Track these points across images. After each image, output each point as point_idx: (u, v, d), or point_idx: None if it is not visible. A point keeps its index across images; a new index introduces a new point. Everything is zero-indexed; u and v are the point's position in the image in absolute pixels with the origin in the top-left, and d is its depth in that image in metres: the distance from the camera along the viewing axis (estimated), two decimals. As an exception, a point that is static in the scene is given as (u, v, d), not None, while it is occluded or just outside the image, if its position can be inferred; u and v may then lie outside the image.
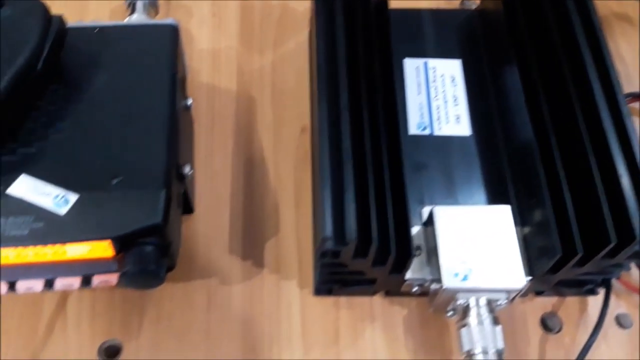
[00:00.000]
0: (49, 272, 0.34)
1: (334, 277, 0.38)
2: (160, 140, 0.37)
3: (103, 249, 0.33)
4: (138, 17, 0.46)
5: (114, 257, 0.34)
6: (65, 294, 0.40)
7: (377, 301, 0.41)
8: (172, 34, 0.43)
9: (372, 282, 0.38)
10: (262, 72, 0.50)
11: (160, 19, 0.46)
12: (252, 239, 0.43)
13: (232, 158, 0.46)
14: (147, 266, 0.33)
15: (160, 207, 0.34)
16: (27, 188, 0.34)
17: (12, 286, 0.35)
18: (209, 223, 0.43)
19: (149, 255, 0.33)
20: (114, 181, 0.34)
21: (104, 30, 0.42)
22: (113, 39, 0.42)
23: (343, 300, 0.41)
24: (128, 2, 0.48)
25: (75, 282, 0.35)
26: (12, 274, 0.34)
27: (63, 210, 0.33)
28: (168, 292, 0.40)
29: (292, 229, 0.43)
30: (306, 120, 0.48)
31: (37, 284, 0.35)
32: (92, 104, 0.38)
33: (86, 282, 0.35)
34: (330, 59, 0.38)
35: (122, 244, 0.33)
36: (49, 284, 0.35)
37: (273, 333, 0.40)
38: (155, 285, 0.34)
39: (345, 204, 0.34)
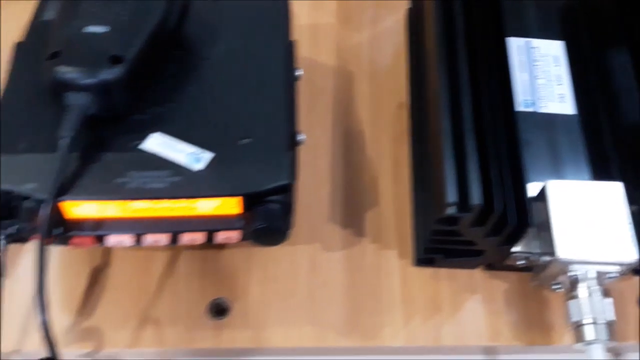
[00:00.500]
0: (175, 227, 0.36)
1: (441, 246, 0.39)
2: (282, 105, 0.38)
3: (232, 205, 0.35)
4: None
5: (240, 214, 0.35)
6: (175, 254, 0.42)
7: (477, 274, 0.42)
8: (283, 6, 0.44)
9: (477, 253, 0.39)
10: (359, 49, 0.51)
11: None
12: (352, 210, 0.44)
13: (331, 130, 0.47)
14: (275, 223, 0.34)
15: (288, 167, 0.35)
16: (160, 145, 0.35)
17: (138, 239, 0.36)
18: (310, 192, 0.44)
19: (277, 213, 0.34)
20: (242, 142, 0.36)
21: (219, 0, 0.44)
22: (228, 9, 0.43)
23: (443, 272, 0.42)
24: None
25: (199, 237, 0.36)
26: (140, 227, 0.36)
27: (197, 167, 0.34)
28: (273, 255, 0.42)
29: (390, 201, 0.44)
30: (403, 96, 0.49)
31: (163, 238, 0.36)
32: (214, 70, 0.39)
33: (209, 238, 0.36)
34: (447, 32, 0.39)
35: (251, 201, 0.35)
36: (174, 239, 0.36)
37: (374, 301, 0.41)
38: (280, 241, 0.35)
39: (467, 171, 0.34)
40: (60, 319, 0.39)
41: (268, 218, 0.34)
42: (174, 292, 0.40)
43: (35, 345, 0.38)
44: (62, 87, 0.34)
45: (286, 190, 0.34)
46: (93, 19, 0.36)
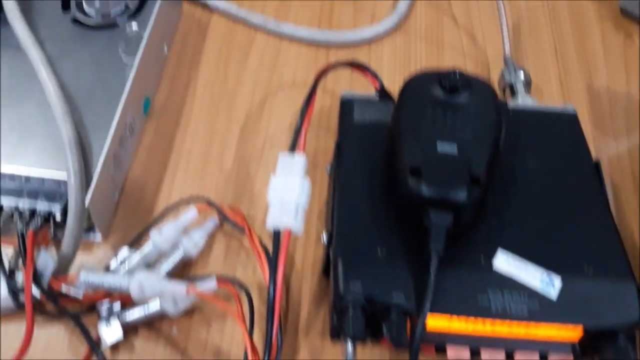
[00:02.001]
0: (512, 345, 0.37)
1: None
2: (612, 230, 0.39)
3: (573, 332, 0.35)
4: (527, 100, 0.49)
5: (576, 341, 0.36)
6: None
7: None
8: (575, 120, 0.45)
9: None
10: (620, 158, 0.52)
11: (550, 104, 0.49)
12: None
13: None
14: (624, 358, 0.35)
15: (637, 303, 0.35)
16: (510, 263, 0.36)
17: (474, 353, 0.37)
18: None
19: (626, 348, 0.35)
20: (584, 268, 0.37)
21: (515, 112, 0.45)
22: (522, 121, 0.45)
23: None
24: (504, 84, 0.52)
25: (534, 357, 0.37)
26: (479, 342, 0.37)
27: (552, 293, 0.35)
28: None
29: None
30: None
31: (499, 354, 0.37)
32: (531, 187, 0.41)
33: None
34: None
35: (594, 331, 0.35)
36: (510, 356, 0.37)
37: None
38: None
39: None
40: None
41: (617, 352, 0.35)
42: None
43: None
44: (427, 203, 0.36)
45: (636, 327, 0.35)
46: (440, 135, 0.38)
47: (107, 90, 0.46)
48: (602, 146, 0.52)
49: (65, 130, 0.41)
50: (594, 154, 0.52)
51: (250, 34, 0.57)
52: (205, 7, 0.58)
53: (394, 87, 0.54)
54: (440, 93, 0.40)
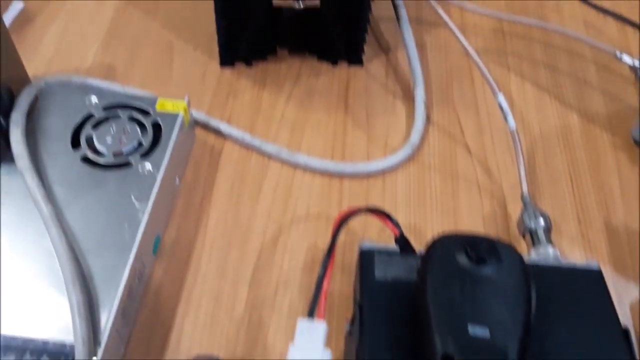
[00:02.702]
0: None
1: None
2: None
3: None
4: (549, 251, 0.48)
5: None
6: None
7: None
8: (600, 279, 0.44)
9: None
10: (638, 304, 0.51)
11: (576, 260, 0.48)
12: None
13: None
14: None
15: None
16: None
17: None
18: None
19: None
20: None
21: (539, 269, 0.44)
22: (548, 281, 0.43)
23: None
24: (523, 229, 0.50)
25: None
26: None
27: None
28: None
29: None
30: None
31: None
32: (554, 347, 0.39)
33: None
34: None
35: None
36: None
37: None
38: None
39: None
40: None
41: None
42: None
43: None
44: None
45: None
46: (471, 316, 0.37)
47: (117, 237, 0.44)
48: (622, 290, 0.51)
49: (75, 295, 0.39)
50: (615, 299, 0.51)
51: (263, 163, 0.56)
52: (219, 133, 0.57)
53: (410, 221, 0.54)
54: (466, 262, 0.39)
